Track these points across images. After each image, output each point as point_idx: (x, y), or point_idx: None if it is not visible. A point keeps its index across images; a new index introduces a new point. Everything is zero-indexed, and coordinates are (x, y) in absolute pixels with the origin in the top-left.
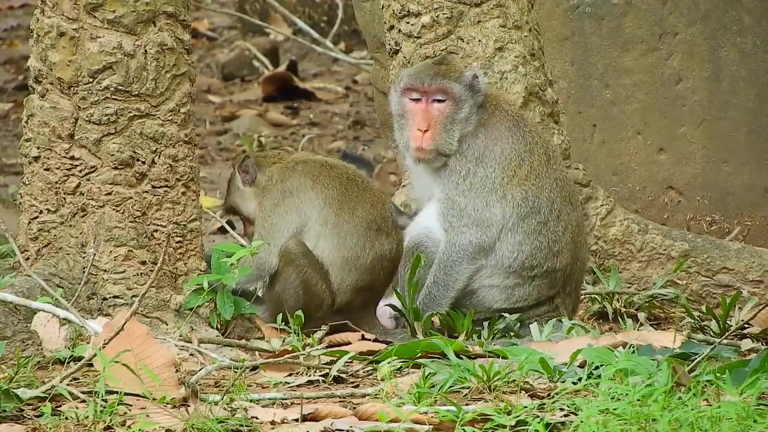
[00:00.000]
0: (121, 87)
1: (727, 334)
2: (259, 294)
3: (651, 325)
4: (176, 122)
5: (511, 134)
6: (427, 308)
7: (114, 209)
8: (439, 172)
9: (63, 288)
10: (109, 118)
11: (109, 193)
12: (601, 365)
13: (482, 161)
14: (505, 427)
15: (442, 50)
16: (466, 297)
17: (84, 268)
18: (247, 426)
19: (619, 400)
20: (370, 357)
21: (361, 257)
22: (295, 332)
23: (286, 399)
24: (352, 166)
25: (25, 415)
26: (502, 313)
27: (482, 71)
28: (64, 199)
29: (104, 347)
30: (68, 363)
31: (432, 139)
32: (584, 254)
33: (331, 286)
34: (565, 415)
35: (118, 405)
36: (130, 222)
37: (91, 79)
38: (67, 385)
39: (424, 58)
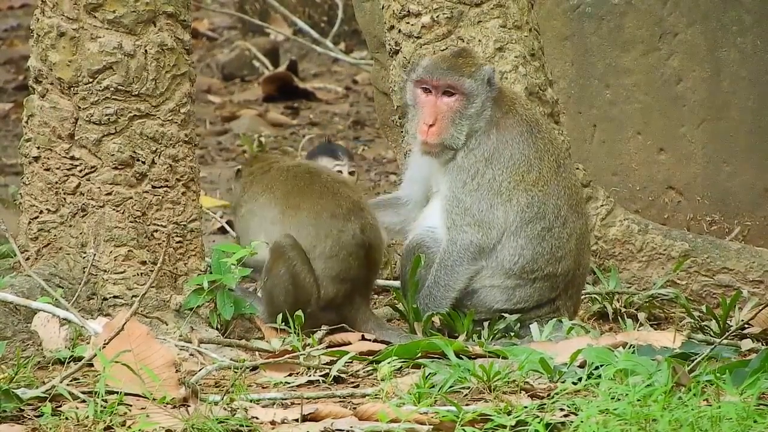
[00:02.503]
0: (121, 87)
1: (727, 334)
2: (259, 294)
3: (651, 325)
4: (176, 122)
5: (523, 139)
6: (428, 308)
7: (114, 209)
8: (447, 167)
9: (63, 288)
10: (109, 118)
11: (109, 193)
12: (601, 365)
13: (491, 162)
14: (505, 427)
15: (443, 50)
16: (467, 297)
17: (84, 268)
18: (247, 426)
19: (619, 400)
20: (370, 357)
21: (318, 246)
22: (295, 332)
23: (286, 399)
24: (312, 163)
25: (25, 415)
26: (503, 314)
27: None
28: (64, 199)
29: (104, 347)
30: (68, 363)
31: (438, 134)
32: (587, 260)
33: (316, 279)
34: (565, 415)
35: (118, 405)
36: (130, 222)
37: (91, 79)
38: (67, 385)
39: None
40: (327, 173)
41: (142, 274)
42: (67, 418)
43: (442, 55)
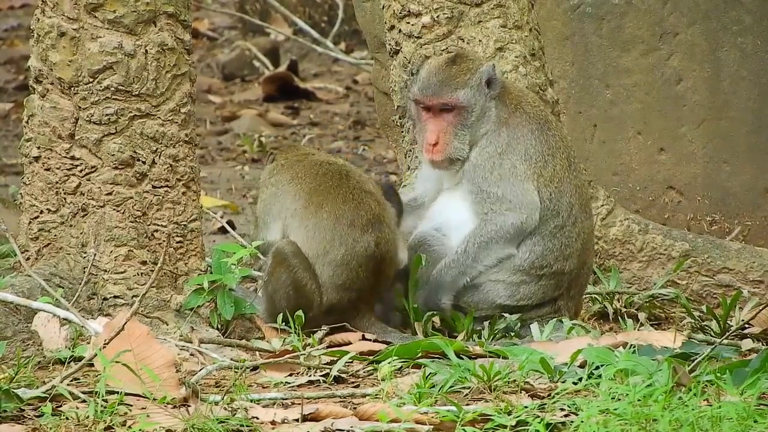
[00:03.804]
0: (121, 87)
1: (727, 334)
2: (259, 294)
3: (651, 325)
4: (177, 122)
5: (534, 137)
6: (446, 277)
7: (114, 209)
8: (462, 169)
9: (63, 288)
10: (109, 118)
11: (110, 193)
12: (602, 365)
13: (506, 154)
14: (505, 427)
15: (443, 50)
16: (471, 291)
17: (84, 268)
18: (247, 426)
19: (619, 400)
20: (371, 357)
21: (331, 252)
22: (295, 332)
23: (286, 399)
24: (346, 162)
25: (25, 415)
26: (503, 313)
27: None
28: (65, 199)
29: (105, 347)
30: (69, 363)
31: (442, 151)
32: (591, 259)
33: (319, 286)
34: (566, 415)
35: (118, 405)
36: (131, 222)
37: (91, 79)
38: (68, 385)
39: (425, 59)
40: (357, 178)
41: (142, 274)
42: (67, 418)
43: (437, 66)
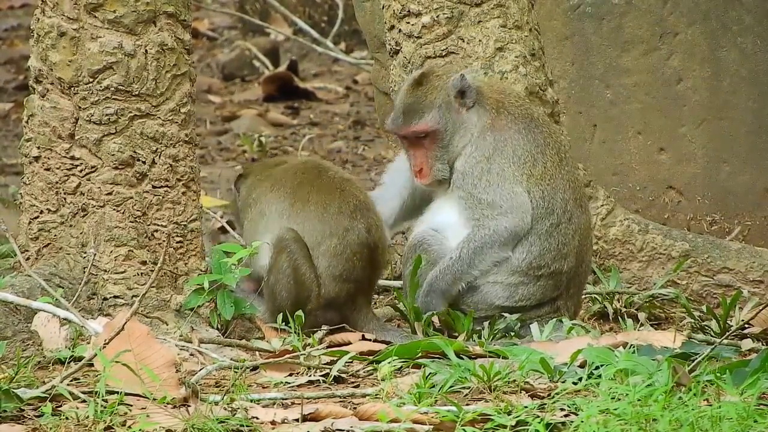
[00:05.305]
0: (121, 87)
1: (727, 334)
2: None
3: (651, 325)
4: (177, 122)
5: (521, 136)
6: (441, 283)
7: (114, 209)
8: (452, 179)
9: (63, 288)
10: (109, 118)
11: (110, 193)
12: (602, 365)
13: (494, 158)
14: (505, 427)
15: (443, 50)
16: (469, 293)
17: (84, 268)
18: (247, 426)
19: (619, 400)
20: (371, 357)
21: (323, 243)
22: (295, 332)
23: (286, 399)
24: (318, 159)
25: (25, 415)
26: (503, 313)
27: (481, 70)
28: (65, 199)
29: (105, 347)
30: (68, 363)
31: (428, 174)
32: (589, 257)
33: (318, 275)
34: (566, 415)
35: (118, 405)
36: (131, 222)
37: (91, 79)
38: (68, 385)
39: (425, 58)
40: (334, 170)
41: (142, 274)
42: (67, 418)
43: (403, 92)
